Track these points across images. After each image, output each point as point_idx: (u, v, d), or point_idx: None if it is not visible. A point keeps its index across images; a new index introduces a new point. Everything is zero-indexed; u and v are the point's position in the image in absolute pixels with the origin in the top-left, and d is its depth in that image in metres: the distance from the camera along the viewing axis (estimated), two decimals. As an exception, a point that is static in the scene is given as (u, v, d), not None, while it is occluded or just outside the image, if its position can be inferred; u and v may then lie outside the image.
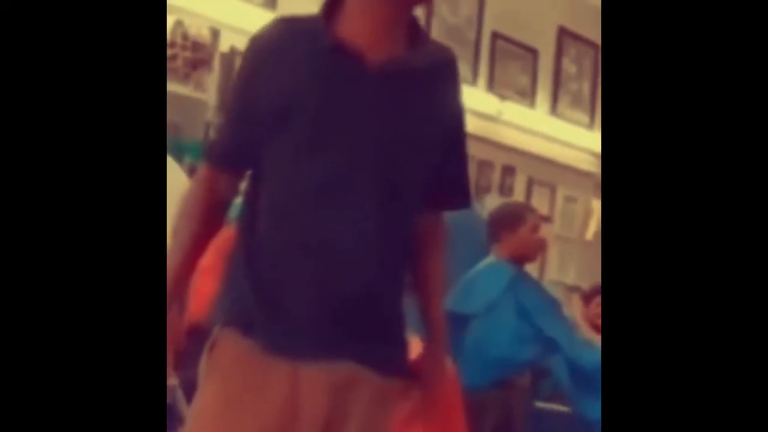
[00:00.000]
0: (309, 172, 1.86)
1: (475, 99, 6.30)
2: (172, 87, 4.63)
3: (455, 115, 2.02)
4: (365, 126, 1.86)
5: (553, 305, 4.44)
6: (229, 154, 2.00)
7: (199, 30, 4.71)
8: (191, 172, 4.55)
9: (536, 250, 4.55)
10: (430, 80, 1.94)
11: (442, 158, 1.97)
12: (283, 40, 1.92)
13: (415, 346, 3.57)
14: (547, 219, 6.70)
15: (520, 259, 4.41)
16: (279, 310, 1.88)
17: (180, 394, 3.27)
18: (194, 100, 4.78)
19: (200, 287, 3.27)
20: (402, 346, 2.00)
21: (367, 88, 1.86)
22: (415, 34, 1.94)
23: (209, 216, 2.05)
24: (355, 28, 1.88)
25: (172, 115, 4.66)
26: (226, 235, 3.36)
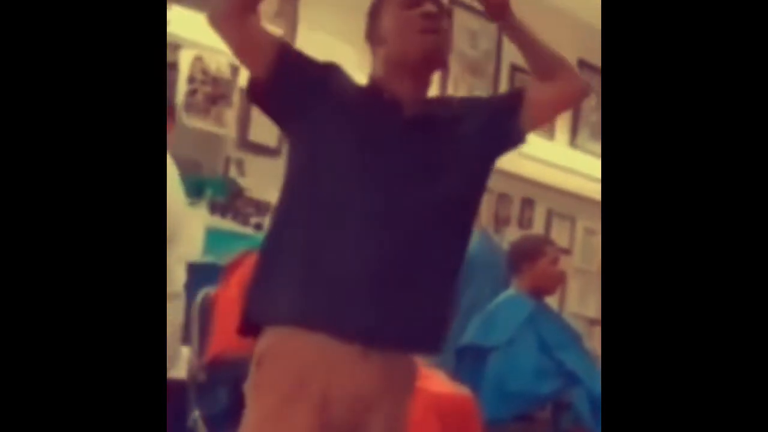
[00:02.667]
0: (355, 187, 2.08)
1: (494, 132, 6.30)
2: (192, 122, 4.65)
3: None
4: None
5: (574, 338, 4.42)
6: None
7: (218, 65, 4.74)
8: (213, 207, 4.56)
9: (556, 282, 4.54)
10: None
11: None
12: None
13: (437, 379, 3.56)
14: (567, 251, 6.68)
15: (539, 292, 4.41)
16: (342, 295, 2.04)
17: (202, 428, 3.26)
18: (214, 135, 4.80)
19: (223, 319, 3.28)
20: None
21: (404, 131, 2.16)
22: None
23: None
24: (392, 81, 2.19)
25: (191, 152, 4.69)
26: (248, 267, 3.37)
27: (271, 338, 2.09)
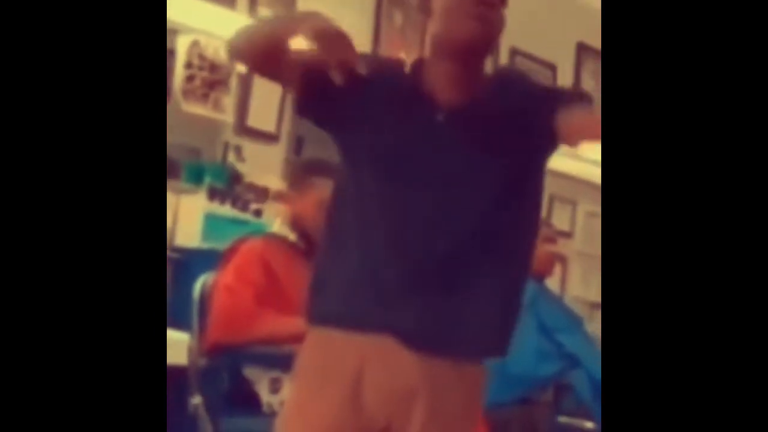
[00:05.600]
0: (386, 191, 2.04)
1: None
2: (190, 108, 4.64)
3: None
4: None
5: (575, 321, 4.43)
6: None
7: (215, 50, 4.72)
8: (211, 194, 4.56)
9: (549, 263, 4.53)
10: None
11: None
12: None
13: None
14: (569, 235, 6.68)
15: (537, 274, 4.40)
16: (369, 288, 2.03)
17: (203, 413, 3.27)
18: (212, 120, 4.79)
19: (219, 306, 3.28)
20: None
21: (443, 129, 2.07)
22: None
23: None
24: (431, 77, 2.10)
25: (189, 138, 4.68)
26: (245, 253, 3.36)
27: (312, 331, 2.12)
